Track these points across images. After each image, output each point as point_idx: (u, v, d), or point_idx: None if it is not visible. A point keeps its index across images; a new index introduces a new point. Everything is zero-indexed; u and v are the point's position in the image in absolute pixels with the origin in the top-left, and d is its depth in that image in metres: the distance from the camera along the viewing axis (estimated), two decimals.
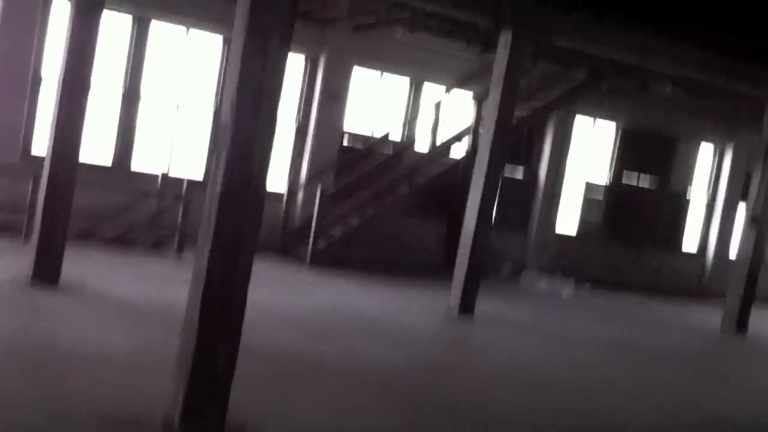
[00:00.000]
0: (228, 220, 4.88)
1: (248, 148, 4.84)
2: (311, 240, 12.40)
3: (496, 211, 15.51)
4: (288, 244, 13.09)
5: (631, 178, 16.84)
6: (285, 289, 10.13)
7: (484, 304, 10.11)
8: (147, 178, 12.03)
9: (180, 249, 11.31)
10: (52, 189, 8.03)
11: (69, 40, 7.88)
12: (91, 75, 8.09)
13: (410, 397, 6.41)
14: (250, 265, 5.06)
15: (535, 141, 15.79)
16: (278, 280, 10.55)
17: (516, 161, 15.44)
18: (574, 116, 15.87)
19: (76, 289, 7.98)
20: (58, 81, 7.95)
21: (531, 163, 15.81)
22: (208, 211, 4.95)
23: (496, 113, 10.18)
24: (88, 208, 10.16)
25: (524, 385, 7.33)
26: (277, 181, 13.43)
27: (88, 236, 10.87)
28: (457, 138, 14.30)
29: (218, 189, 4.82)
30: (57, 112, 7.92)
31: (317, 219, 12.41)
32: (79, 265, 8.61)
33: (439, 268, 13.92)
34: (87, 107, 8.10)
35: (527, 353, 8.74)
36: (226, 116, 4.83)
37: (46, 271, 7.96)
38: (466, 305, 10.00)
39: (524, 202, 15.78)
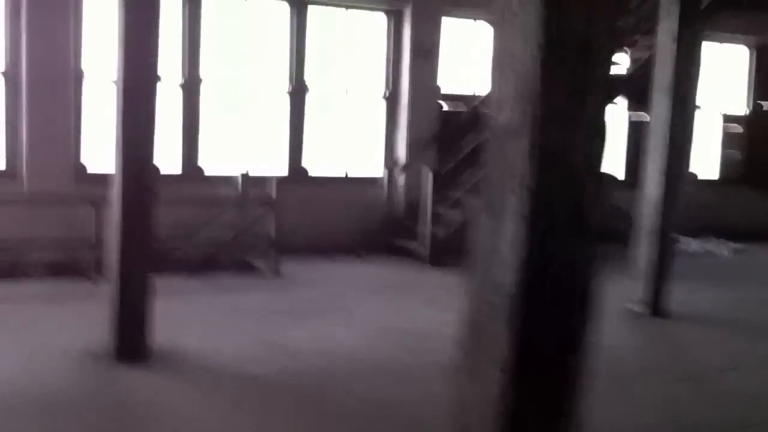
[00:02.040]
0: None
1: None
2: (428, 231, 10.17)
3: (615, 160, 13.31)
4: (394, 239, 10.88)
5: None
6: (440, 306, 7.95)
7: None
8: (222, 182, 9.90)
9: (276, 266, 9.16)
10: (127, 224, 5.85)
11: (125, 17, 5.64)
12: (157, 63, 5.90)
13: None
14: None
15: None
16: (418, 293, 8.44)
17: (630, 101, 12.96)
18: (701, 41, 13.25)
19: (179, 364, 5.75)
20: (118, 76, 5.73)
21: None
22: None
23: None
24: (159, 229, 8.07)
25: None
26: (371, 163, 11.23)
27: (160, 264, 8.72)
28: None
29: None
30: (122, 120, 5.73)
31: (433, 205, 10.18)
32: (164, 311, 6.41)
33: None
34: (156, 109, 5.92)
35: None
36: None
37: (132, 339, 5.80)
38: (658, 304, 7.71)
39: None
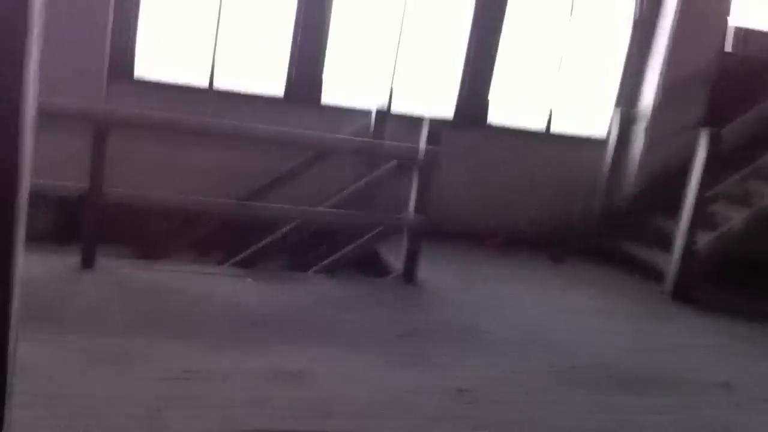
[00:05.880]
0: None
1: None
2: (683, 237, 5.82)
3: None
4: (610, 238, 6.66)
5: None
6: None
7: None
8: (346, 117, 6.13)
9: (413, 268, 5.17)
10: None
11: None
12: None
13: None
14: None
15: None
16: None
17: None
18: None
19: None
20: None
21: None
22: None
23: None
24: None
25: None
26: (591, 116, 7.06)
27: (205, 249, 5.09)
28: None
29: None
30: None
31: (698, 194, 5.79)
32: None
33: None
34: None
35: None
36: None
37: None
38: None
39: None
